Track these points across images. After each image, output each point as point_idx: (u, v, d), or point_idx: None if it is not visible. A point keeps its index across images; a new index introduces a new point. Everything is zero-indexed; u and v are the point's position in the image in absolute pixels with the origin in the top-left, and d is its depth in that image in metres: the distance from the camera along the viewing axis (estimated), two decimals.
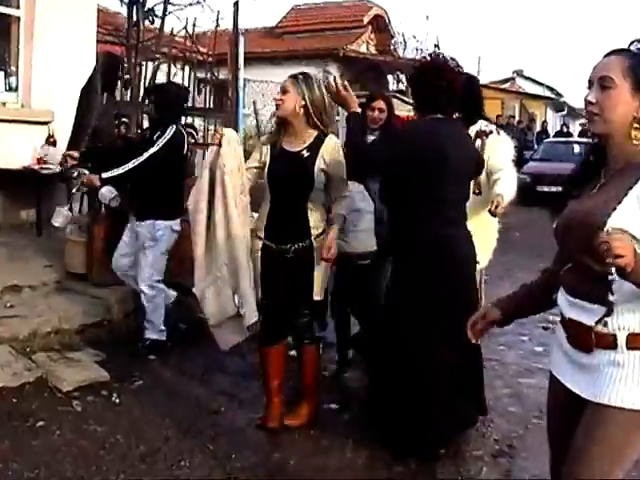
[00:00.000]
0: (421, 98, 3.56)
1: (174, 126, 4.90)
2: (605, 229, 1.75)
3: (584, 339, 1.95)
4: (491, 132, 4.17)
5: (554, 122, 27.51)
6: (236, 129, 6.00)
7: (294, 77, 3.71)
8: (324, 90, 3.67)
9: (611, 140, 1.99)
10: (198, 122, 7.59)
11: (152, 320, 5.00)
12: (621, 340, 1.89)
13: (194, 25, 6.02)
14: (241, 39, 6.10)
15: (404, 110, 15.18)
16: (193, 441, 3.71)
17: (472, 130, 4.09)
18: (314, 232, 3.71)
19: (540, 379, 4.29)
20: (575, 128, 25.62)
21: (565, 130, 22.81)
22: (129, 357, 4.84)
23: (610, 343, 1.90)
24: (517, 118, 22.89)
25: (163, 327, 5.06)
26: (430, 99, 3.48)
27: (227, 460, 3.51)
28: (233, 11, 5.76)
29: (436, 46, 21.91)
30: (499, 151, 4.11)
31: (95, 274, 5.60)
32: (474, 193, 3.88)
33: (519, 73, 32.18)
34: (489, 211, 3.71)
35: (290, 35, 20.87)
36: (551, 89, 31.16)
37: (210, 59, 6.40)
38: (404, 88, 19.45)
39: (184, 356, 4.97)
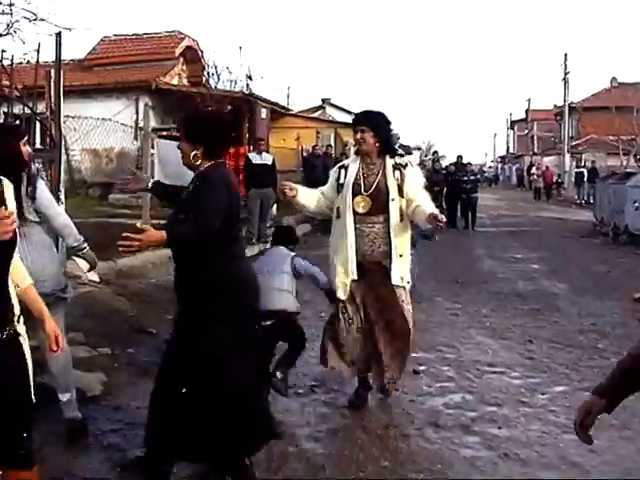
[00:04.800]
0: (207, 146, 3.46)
1: None
2: None
3: None
4: (407, 164, 4.54)
5: None
6: (59, 167, 5.94)
7: None
8: None
9: None
10: None
11: None
12: None
13: (12, 59, 5.81)
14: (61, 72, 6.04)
15: None
16: None
17: (389, 163, 4.46)
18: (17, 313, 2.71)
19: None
20: None
21: None
22: None
23: None
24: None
25: None
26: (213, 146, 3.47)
27: None
28: (56, 42, 5.70)
29: (249, 77, 22.48)
30: (413, 180, 4.54)
31: None
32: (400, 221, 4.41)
33: (327, 101, 33.54)
34: (434, 218, 4.14)
35: (100, 67, 20.36)
36: None
37: (22, 94, 6.23)
38: None
39: None
